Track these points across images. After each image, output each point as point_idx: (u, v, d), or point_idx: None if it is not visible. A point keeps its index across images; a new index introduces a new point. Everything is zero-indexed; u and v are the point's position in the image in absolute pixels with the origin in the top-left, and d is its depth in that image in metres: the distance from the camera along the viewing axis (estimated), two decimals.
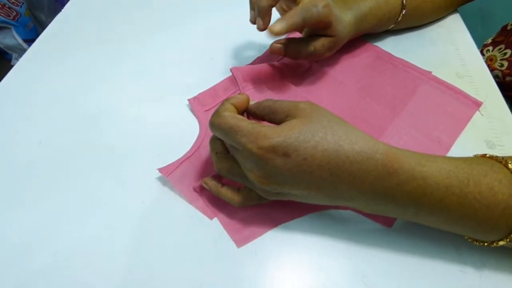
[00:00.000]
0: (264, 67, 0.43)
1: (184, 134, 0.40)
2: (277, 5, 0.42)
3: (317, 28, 0.41)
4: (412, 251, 0.32)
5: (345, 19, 0.42)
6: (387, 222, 0.33)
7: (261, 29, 0.40)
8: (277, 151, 0.26)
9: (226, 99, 0.31)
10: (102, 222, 0.34)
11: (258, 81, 0.41)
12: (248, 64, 0.48)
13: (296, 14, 0.38)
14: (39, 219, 0.34)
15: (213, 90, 0.44)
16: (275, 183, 0.28)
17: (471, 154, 0.32)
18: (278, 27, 0.37)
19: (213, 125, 0.30)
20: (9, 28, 1.57)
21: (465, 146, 0.39)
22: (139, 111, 0.43)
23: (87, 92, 0.44)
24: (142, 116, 0.42)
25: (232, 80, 0.45)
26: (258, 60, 0.49)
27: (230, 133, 0.28)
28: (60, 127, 0.41)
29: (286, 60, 0.47)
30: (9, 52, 1.63)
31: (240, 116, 0.29)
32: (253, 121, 0.28)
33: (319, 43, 0.41)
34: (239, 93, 0.33)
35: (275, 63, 0.45)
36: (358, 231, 0.33)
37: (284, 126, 0.27)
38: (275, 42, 0.42)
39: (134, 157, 0.38)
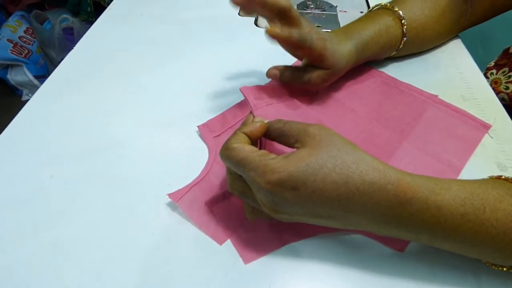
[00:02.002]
0: (274, 86, 0.44)
1: (194, 160, 0.40)
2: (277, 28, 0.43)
3: (311, 60, 0.42)
4: (428, 278, 0.31)
5: (344, 50, 0.43)
6: (399, 247, 0.33)
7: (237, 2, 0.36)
8: (285, 185, 0.26)
9: (239, 128, 0.31)
10: (113, 255, 0.33)
11: (270, 99, 0.42)
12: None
13: (295, 31, 0.38)
14: (50, 253, 0.33)
15: (222, 117, 0.45)
16: (286, 213, 0.28)
17: (483, 177, 0.31)
18: (278, 30, 0.37)
19: (222, 157, 0.30)
20: (21, 66, 1.63)
21: (476, 169, 0.39)
22: (149, 141, 0.43)
23: (97, 125, 0.45)
24: (152, 145, 0.42)
25: (241, 106, 0.46)
26: (272, 82, 0.49)
27: (239, 166, 0.28)
28: (71, 160, 0.41)
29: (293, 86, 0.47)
30: (20, 88, 1.68)
31: (249, 148, 0.29)
32: (262, 152, 0.28)
33: (315, 74, 0.42)
34: (253, 118, 0.32)
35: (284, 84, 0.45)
36: (372, 257, 0.32)
37: (292, 158, 0.27)
38: (273, 68, 0.43)
39: (144, 186, 0.38)
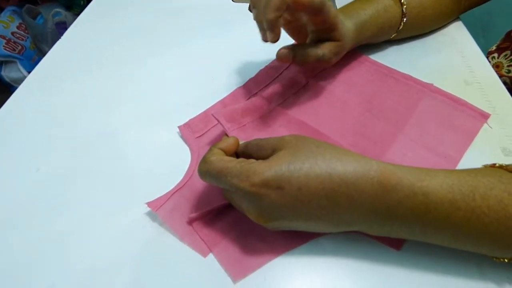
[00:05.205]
0: (248, 104, 0.40)
1: (177, 163, 0.38)
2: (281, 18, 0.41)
3: (323, 30, 0.39)
4: (430, 270, 0.30)
5: (347, 26, 0.42)
6: (396, 245, 0.31)
7: (273, 41, 0.37)
8: (270, 185, 0.26)
9: (214, 145, 0.31)
10: (99, 254, 0.32)
11: (243, 119, 0.39)
12: (247, 81, 0.47)
13: None
14: (35, 248, 0.32)
15: (204, 115, 0.42)
16: (274, 219, 0.27)
17: (488, 162, 0.30)
18: None
19: (201, 172, 0.29)
20: (14, 62, 1.60)
21: (480, 154, 0.37)
22: (137, 135, 0.41)
23: (84, 117, 0.43)
24: (140, 140, 0.41)
25: (225, 103, 0.44)
26: (261, 72, 0.47)
27: (220, 176, 0.28)
28: (57, 153, 0.40)
29: (281, 78, 0.45)
30: (14, 85, 1.65)
31: (227, 158, 0.29)
32: (241, 159, 0.28)
33: (327, 48, 0.40)
34: (226, 136, 0.32)
35: (263, 93, 0.42)
36: (372, 248, 0.31)
37: (272, 159, 0.27)
38: (282, 48, 0.39)
39: (130, 184, 0.37)
